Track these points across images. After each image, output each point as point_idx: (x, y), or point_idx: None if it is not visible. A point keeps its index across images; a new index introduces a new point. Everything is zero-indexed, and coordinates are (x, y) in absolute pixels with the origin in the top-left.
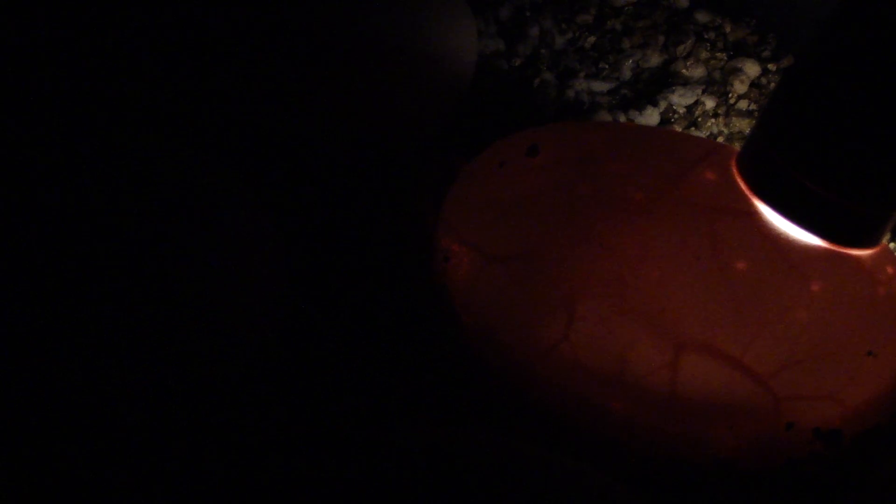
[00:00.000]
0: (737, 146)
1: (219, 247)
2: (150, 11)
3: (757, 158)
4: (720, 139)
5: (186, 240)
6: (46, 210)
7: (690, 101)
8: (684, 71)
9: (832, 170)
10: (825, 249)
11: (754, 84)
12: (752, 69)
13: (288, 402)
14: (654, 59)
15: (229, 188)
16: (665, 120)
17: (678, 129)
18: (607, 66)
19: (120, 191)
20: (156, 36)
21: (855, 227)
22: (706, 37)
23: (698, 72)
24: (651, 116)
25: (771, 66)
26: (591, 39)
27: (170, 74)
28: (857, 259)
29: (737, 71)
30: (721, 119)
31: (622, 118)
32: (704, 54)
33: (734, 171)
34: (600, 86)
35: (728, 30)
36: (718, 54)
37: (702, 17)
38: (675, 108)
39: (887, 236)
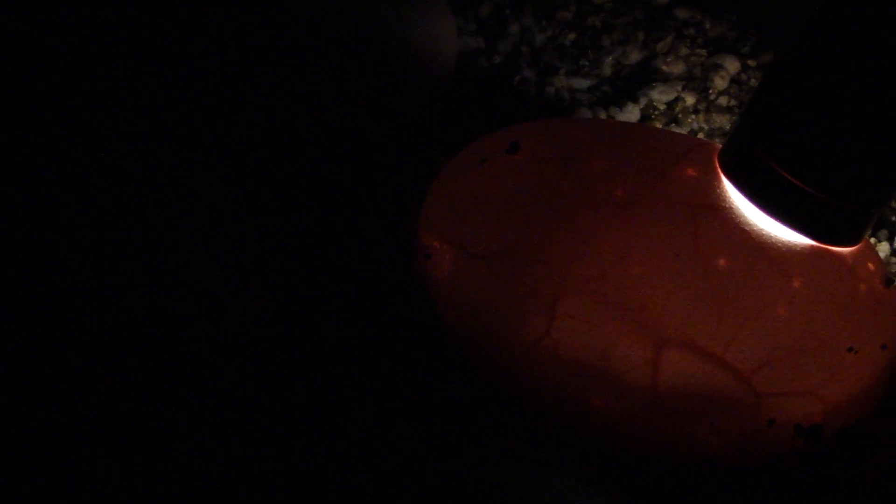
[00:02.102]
0: (717, 142)
1: (204, 246)
2: (129, 9)
3: (740, 155)
4: (701, 135)
5: (171, 237)
6: (34, 210)
7: (671, 97)
8: (664, 67)
9: (816, 166)
10: (806, 246)
11: (734, 80)
12: (732, 65)
13: (273, 401)
14: (634, 56)
15: (213, 188)
16: (645, 116)
17: (659, 125)
18: (587, 63)
19: (107, 192)
20: (135, 34)
21: (838, 224)
22: (686, 33)
23: (678, 68)
24: (631, 113)
25: (751, 63)
26: (572, 36)
27: (150, 73)
28: (838, 255)
29: (717, 67)
30: (701, 115)
31: (603, 115)
32: (684, 51)
33: (716, 167)
34: (580, 83)
35: (708, 26)
36: (698, 50)
37: (681, 13)
38: (655, 104)
39: (869, 232)
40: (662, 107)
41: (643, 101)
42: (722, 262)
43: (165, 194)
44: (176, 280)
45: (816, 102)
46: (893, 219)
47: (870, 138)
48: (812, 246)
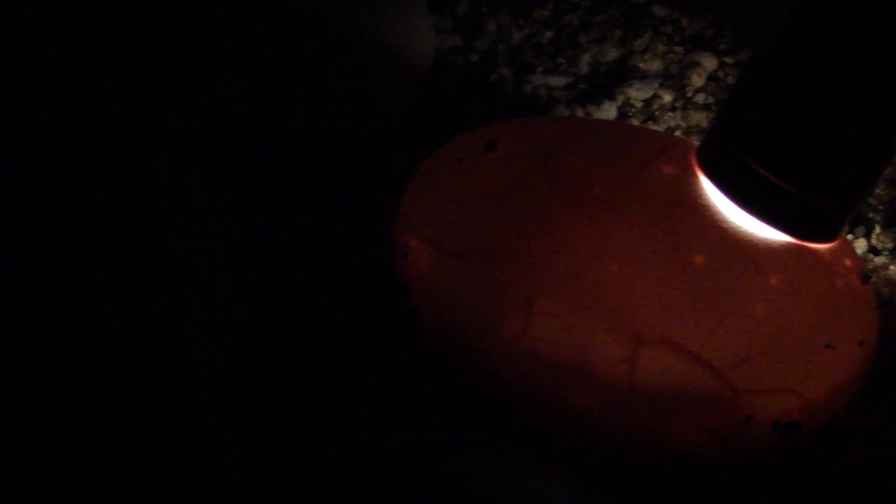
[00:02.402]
0: (695, 139)
1: (182, 244)
2: (108, 9)
3: (717, 152)
4: (678, 133)
5: (146, 234)
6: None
7: (648, 94)
8: (641, 65)
9: (793, 163)
10: (783, 242)
11: (711, 77)
12: (709, 63)
13: (249, 400)
14: (612, 54)
15: (192, 187)
16: (622, 114)
17: (636, 123)
18: (564, 61)
19: (84, 190)
20: (112, 34)
21: (815, 220)
22: (663, 31)
23: (655, 66)
24: (608, 111)
25: (728, 60)
26: (549, 34)
27: (131, 73)
28: (815, 252)
29: (694, 64)
30: (678, 112)
31: (580, 113)
32: (661, 48)
33: (693, 164)
34: (558, 81)
35: (685, 23)
36: (675, 48)
37: (658, 10)
38: (632, 102)
39: (846, 229)
40: (639, 104)
41: (620, 99)
42: (699, 259)
43: (141, 191)
44: (152, 279)
45: (793, 99)
46: (870, 215)
47: (847, 135)
48: (789, 243)
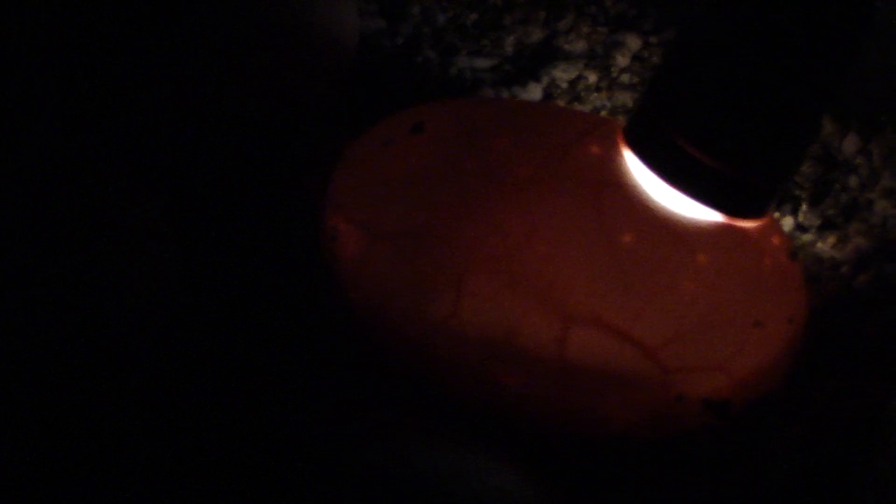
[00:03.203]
0: (621, 119)
1: (103, 231)
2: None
3: (644, 130)
4: (604, 113)
5: (68, 224)
6: None
7: (573, 75)
8: (566, 46)
9: (720, 139)
10: (711, 221)
11: (636, 57)
12: (633, 42)
13: (175, 388)
14: (536, 35)
15: (113, 173)
16: (548, 95)
17: (561, 103)
18: (489, 43)
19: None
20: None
21: (742, 197)
22: (587, 11)
23: (580, 46)
24: (534, 92)
25: (652, 40)
26: (473, 16)
27: (47, 64)
28: (742, 230)
29: (618, 44)
30: (604, 93)
31: (505, 94)
32: (586, 29)
33: (620, 143)
34: (483, 62)
35: (608, 3)
36: (599, 28)
37: None
38: (557, 82)
39: (773, 206)
40: (565, 85)
41: (545, 80)
42: (627, 238)
43: (63, 182)
44: (74, 266)
45: (720, 76)
46: (796, 193)
47: (773, 111)
48: (717, 222)
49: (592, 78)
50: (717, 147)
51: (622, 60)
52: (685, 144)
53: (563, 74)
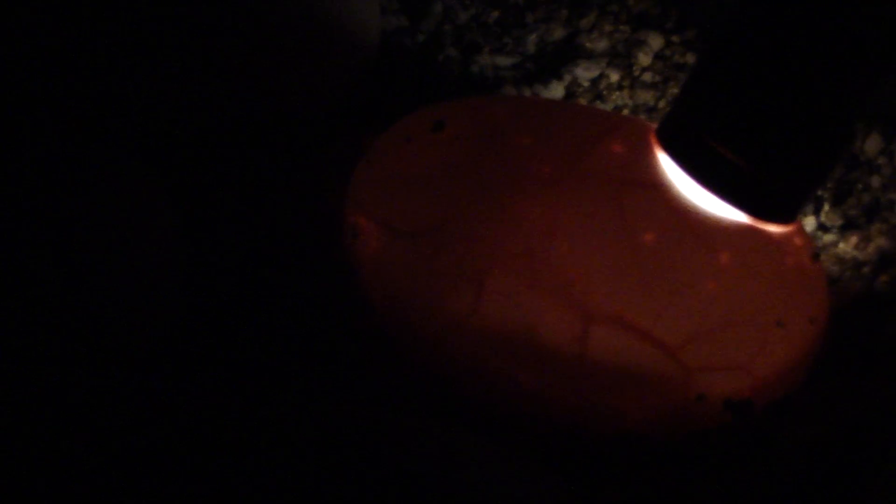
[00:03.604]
0: (643, 118)
1: (118, 228)
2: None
3: (679, 131)
4: (625, 112)
5: (81, 222)
6: None
7: (595, 74)
8: (588, 44)
9: (756, 142)
10: (733, 221)
11: (658, 56)
12: (655, 41)
13: (192, 384)
14: (558, 33)
15: (129, 171)
16: (570, 93)
17: (583, 102)
18: (511, 41)
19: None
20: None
21: (775, 201)
22: (609, 9)
23: (602, 45)
24: (556, 90)
25: (675, 38)
26: (495, 14)
27: (61, 60)
28: (765, 230)
29: (640, 43)
30: (626, 91)
31: (527, 92)
32: (608, 27)
33: (653, 143)
34: (504, 60)
35: (631, 2)
36: (622, 27)
37: None
38: (579, 81)
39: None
40: (587, 83)
41: (567, 78)
42: (649, 237)
43: (72, 177)
44: (82, 262)
45: (755, 78)
46: (819, 192)
47: (808, 116)
48: (739, 221)
49: (614, 76)
50: (752, 150)
51: (644, 59)
52: (719, 146)
53: (585, 73)
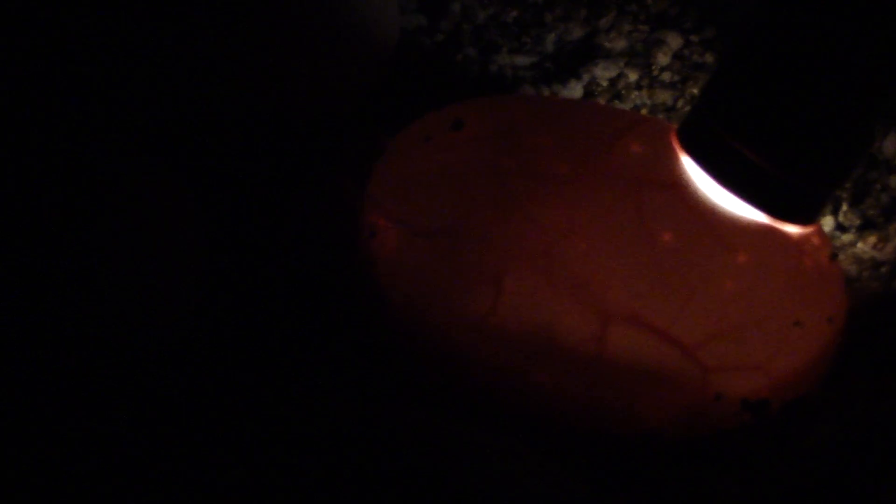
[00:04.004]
0: (661, 118)
1: (137, 227)
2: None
3: (700, 132)
4: (644, 111)
5: (103, 221)
6: None
7: (613, 73)
8: (607, 44)
9: (778, 143)
10: (751, 220)
11: (677, 55)
12: (674, 41)
13: (210, 383)
14: (577, 32)
15: (149, 169)
16: (588, 93)
17: (602, 101)
18: (530, 40)
19: (37, 177)
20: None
21: (796, 201)
22: (628, 9)
23: (621, 44)
24: (574, 90)
25: (693, 38)
26: (514, 13)
27: (82, 57)
28: (782, 230)
29: (659, 43)
30: (644, 91)
31: (546, 92)
32: (627, 27)
33: (672, 143)
34: (523, 60)
35: (650, 2)
36: (640, 26)
37: None
38: (598, 80)
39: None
40: (605, 83)
41: (586, 78)
42: (667, 237)
43: (102, 181)
44: (111, 266)
45: (779, 79)
46: (837, 192)
47: (830, 118)
48: (758, 221)
49: (633, 76)
50: (776, 151)
51: (663, 59)
52: (742, 147)
53: (603, 72)
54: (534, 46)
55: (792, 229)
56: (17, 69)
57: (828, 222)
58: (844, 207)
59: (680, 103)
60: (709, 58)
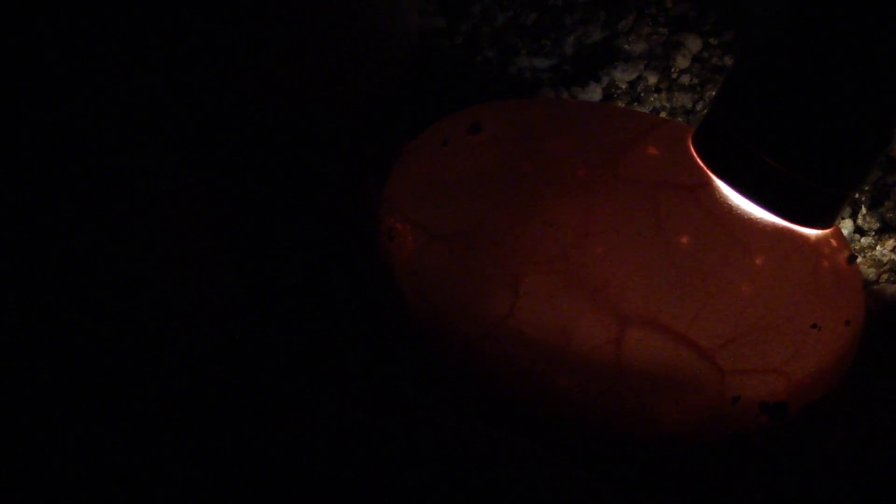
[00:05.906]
0: (680, 121)
1: (160, 232)
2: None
3: (716, 136)
4: (663, 114)
5: (126, 227)
6: None
7: (632, 76)
8: (626, 46)
9: (794, 148)
10: (768, 223)
11: (696, 58)
12: (693, 44)
13: (232, 384)
14: (596, 35)
15: (170, 172)
16: (607, 96)
17: (621, 104)
18: (549, 43)
19: (63, 179)
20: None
21: (814, 205)
22: (647, 12)
23: (640, 47)
24: (593, 92)
25: (713, 41)
26: (533, 16)
27: (106, 58)
28: (801, 233)
29: (678, 45)
30: (663, 94)
31: (565, 95)
32: (646, 29)
33: (690, 147)
34: (542, 62)
35: (669, 5)
36: (660, 29)
37: None
38: (617, 83)
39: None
40: (624, 86)
41: (605, 81)
42: (684, 240)
43: (125, 184)
44: (134, 272)
45: (795, 82)
46: (856, 195)
47: (847, 121)
48: (774, 224)
49: (652, 79)
50: (793, 156)
51: (682, 62)
52: (760, 152)
53: (622, 75)
54: (553, 49)
55: (810, 232)
56: (43, 71)
57: (846, 225)
58: (863, 210)
59: (699, 106)
60: (728, 61)
